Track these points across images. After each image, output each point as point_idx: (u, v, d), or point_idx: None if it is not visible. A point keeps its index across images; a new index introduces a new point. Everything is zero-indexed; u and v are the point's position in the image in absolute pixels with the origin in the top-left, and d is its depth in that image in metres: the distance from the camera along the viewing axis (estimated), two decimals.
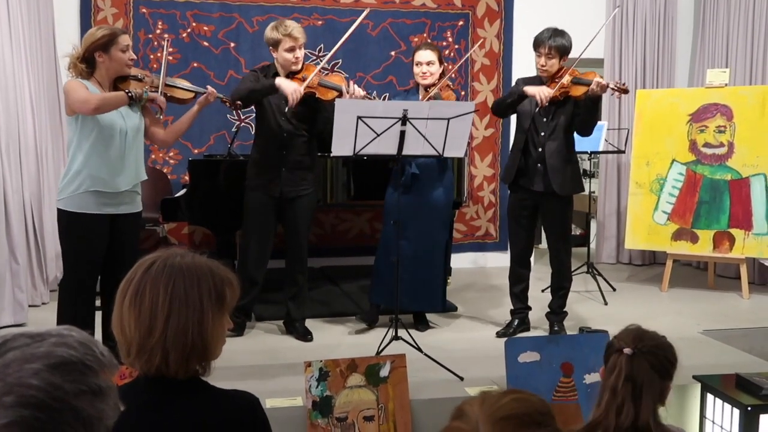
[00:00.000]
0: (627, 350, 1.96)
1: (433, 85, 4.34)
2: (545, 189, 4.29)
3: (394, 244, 4.13)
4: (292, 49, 4.11)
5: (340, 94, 4.08)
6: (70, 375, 0.89)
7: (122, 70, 3.55)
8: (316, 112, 4.25)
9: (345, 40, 4.23)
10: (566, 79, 4.17)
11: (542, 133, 4.28)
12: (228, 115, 6.04)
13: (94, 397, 0.90)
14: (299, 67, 4.17)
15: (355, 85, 4.15)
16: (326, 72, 4.30)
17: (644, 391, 1.93)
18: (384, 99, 4.39)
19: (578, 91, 4.17)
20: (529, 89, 4.21)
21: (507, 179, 4.47)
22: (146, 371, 1.51)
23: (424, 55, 4.35)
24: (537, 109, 4.23)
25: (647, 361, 1.96)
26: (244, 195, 4.32)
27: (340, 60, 6.19)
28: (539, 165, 4.29)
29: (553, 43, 4.19)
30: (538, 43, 4.26)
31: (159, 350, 1.48)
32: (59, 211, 3.51)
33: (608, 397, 1.93)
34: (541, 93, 4.15)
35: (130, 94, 3.46)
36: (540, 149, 4.28)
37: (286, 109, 4.08)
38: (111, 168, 3.48)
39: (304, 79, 4.12)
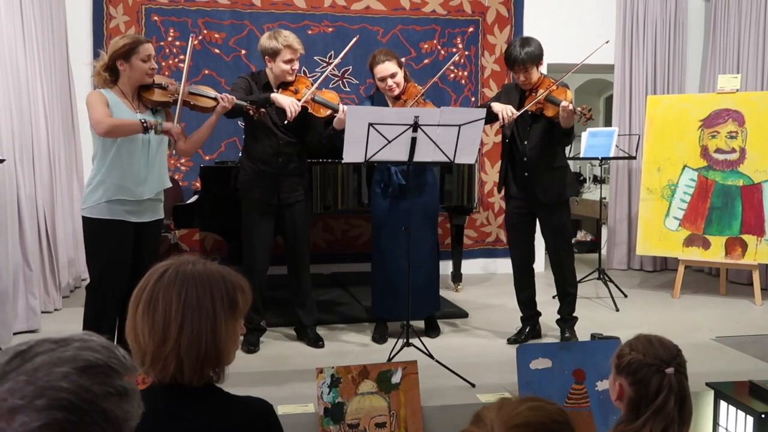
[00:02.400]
0: (670, 370, 1.91)
1: (403, 93, 4.28)
2: (534, 197, 4.31)
3: (389, 253, 4.20)
4: (290, 61, 4.08)
5: (335, 113, 4.06)
6: (97, 377, 0.91)
7: (143, 80, 3.55)
8: (307, 125, 4.21)
9: (339, 60, 4.20)
10: (541, 95, 4.12)
11: (525, 142, 4.28)
12: (239, 122, 6.06)
13: (120, 398, 0.92)
14: (293, 78, 4.14)
15: (347, 106, 4.04)
16: (321, 88, 4.21)
17: (689, 405, 1.93)
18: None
19: (551, 111, 4.12)
20: (495, 107, 4.16)
21: (500, 188, 4.52)
22: (161, 379, 1.51)
23: (386, 68, 4.22)
24: (502, 126, 4.22)
25: (684, 375, 1.94)
26: (241, 206, 4.28)
27: (351, 67, 6.22)
28: (526, 174, 4.30)
29: (525, 57, 4.11)
30: (511, 63, 4.16)
31: (173, 359, 1.49)
32: (84, 218, 3.53)
33: (650, 416, 1.88)
34: (505, 112, 4.10)
35: (144, 124, 3.44)
36: (525, 158, 4.29)
37: (285, 122, 4.03)
38: (135, 177, 3.50)
39: (296, 92, 4.11)
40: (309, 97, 4.06)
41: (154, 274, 1.54)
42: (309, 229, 4.46)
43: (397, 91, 4.27)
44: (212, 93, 3.84)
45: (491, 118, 4.24)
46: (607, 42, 4.40)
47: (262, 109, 3.98)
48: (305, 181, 4.35)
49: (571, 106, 3.96)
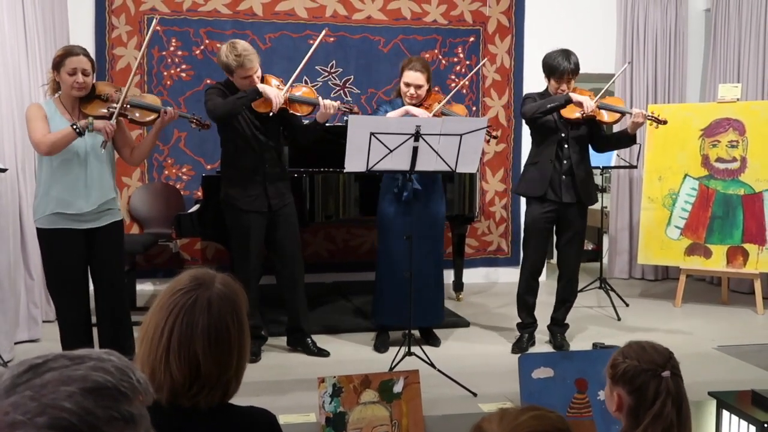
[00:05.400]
0: (665, 373, 1.91)
1: (423, 101, 4.32)
2: (573, 200, 4.37)
3: (400, 261, 4.17)
4: (247, 77, 4.01)
5: (315, 108, 4.07)
6: (103, 400, 0.88)
7: (69, 92, 3.52)
8: (285, 127, 4.23)
9: (307, 61, 4.10)
10: (595, 102, 4.23)
11: (566, 146, 4.35)
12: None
13: (126, 424, 0.89)
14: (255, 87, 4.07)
15: (329, 100, 4.09)
16: (294, 85, 4.18)
17: (686, 407, 1.92)
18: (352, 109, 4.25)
19: (609, 117, 4.32)
20: (575, 96, 4.23)
21: (534, 192, 4.42)
22: (209, 403, 1.50)
23: (415, 78, 4.26)
24: (581, 114, 4.25)
25: (679, 377, 1.94)
26: (231, 216, 4.22)
27: (352, 76, 6.23)
28: (564, 177, 4.35)
29: (573, 66, 4.26)
30: (559, 71, 4.25)
31: (234, 379, 1.51)
32: (36, 229, 3.61)
33: (649, 423, 1.88)
34: (587, 101, 4.20)
35: (76, 129, 3.40)
36: (566, 161, 4.35)
37: (271, 113, 4.00)
38: (72, 190, 3.50)
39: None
40: (287, 90, 4.05)
41: (201, 307, 1.48)
42: (299, 233, 4.42)
43: (414, 102, 4.31)
44: (157, 104, 3.78)
45: (566, 104, 4.28)
46: (629, 63, 4.52)
47: (206, 122, 3.93)
48: (289, 185, 4.34)
49: (642, 112, 4.20)
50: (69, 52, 3.50)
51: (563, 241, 4.52)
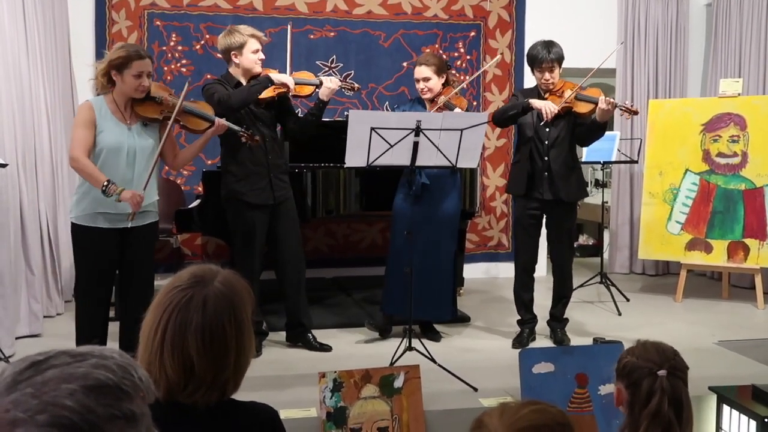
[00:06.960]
0: (662, 372, 1.92)
1: (438, 95, 4.34)
2: (553, 197, 4.34)
3: (406, 254, 4.13)
4: (257, 51, 4.08)
5: (318, 87, 4.14)
6: (104, 399, 0.88)
7: (131, 95, 3.49)
8: (285, 115, 4.26)
9: (291, 53, 4.30)
10: (570, 95, 4.21)
11: (545, 143, 4.32)
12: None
13: (127, 423, 0.89)
14: (260, 69, 4.12)
15: (330, 77, 4.20)
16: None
17: (687, 409, 1.93)
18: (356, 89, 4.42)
19: (583, 108, 4.23)
20: (535, 103, 4.25)
21: (517, 190, 4.47)
22: (207, 402, 1.48)
23: (419, 72, 4.33)
24: (541, 122, 4.27)
25: (680, 378, 1.95)
26: (235, 213, 4.19)
27: (353, 71, 6.22)
28: (546, 173, 4.33)
29: (552, 56, 4.23)
30: (538, 60, 4.27)
31: (232, 380, 1.50)
32: (71, 224, 3.57)
33: (649, 423, 1.88)
34: (547, 107, 4.19)
35: (104, 188, 3.36)
36: (546, 158, 4.32)
37: (289, 93, 4.10)
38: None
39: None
40: (290, 73, 4.15)
41: (196, 304, 1.46)
42: (300, 229, 4.41)
43: (428, 96, 4.35)
44: (209, 114, 3.78)
45: (525, 112, 4.31)
46: (621, 43, 4.46)
47: (256, 137, 3.95)
48: (289, 179, 4.34)
49: (613, 101, 4.11)
50: (136, 54, 3.44)
51: (551, 238, 4.51)
